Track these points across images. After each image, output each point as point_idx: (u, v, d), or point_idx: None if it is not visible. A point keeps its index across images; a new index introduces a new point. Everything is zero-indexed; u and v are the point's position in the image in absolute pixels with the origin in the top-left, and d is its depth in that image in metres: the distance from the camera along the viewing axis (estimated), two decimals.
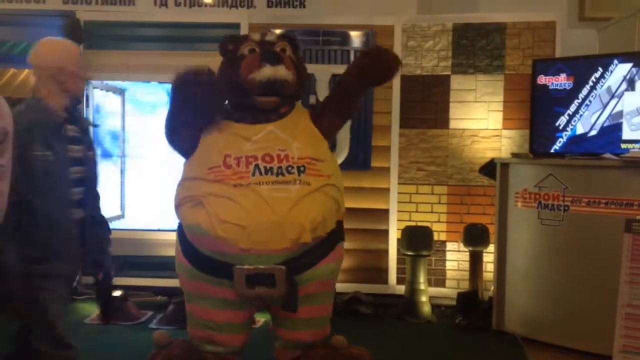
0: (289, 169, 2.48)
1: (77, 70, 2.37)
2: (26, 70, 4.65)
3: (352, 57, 4.36)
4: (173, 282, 4.38)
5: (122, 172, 4.74)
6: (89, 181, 2.49)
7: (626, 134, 3.50)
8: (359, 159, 4.39)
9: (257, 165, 2.47)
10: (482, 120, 4.30)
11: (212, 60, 4.34)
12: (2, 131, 2.03)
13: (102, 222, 2.62)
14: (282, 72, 2.54)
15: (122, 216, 4.77)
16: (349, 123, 4.28)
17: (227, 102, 2.72)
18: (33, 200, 2.20)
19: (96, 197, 2.57)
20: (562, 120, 3.71)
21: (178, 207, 2.62)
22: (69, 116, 2.38)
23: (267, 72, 2.53)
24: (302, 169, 2.49)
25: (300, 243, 2.43)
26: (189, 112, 2.57)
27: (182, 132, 2.64)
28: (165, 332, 2.84)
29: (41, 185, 2.22)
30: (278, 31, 4.34)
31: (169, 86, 4.62)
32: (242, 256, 2.41)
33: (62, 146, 2.31)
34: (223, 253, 2.44)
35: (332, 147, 2.86)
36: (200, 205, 2.48)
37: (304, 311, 2.55)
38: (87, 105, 4.50)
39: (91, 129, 2.48)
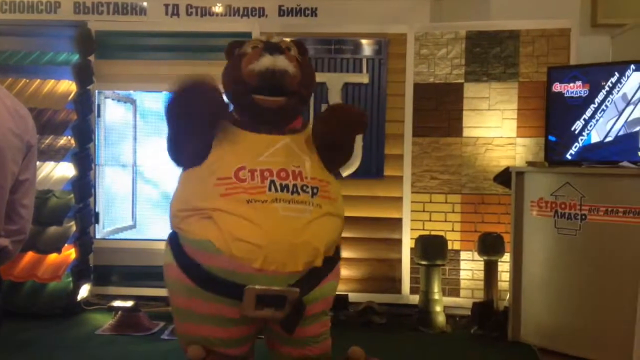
0: (304, 187, 2.36)
1: None
2: (38, 80, 4.65)
3: (364, 66, 4.35)
4: None
5: (133, 181, 4.74)
6: None
7: None
8: (372, 168, 4.36)
9: (272, 181, 2.33)
10: (496, 129, 4.26)
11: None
12: (27, 144, 2.00)
13: None
14: (281, 61, 2.39)
15: (133, 226, 4.77)
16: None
17: (232, 109, 2.59)
18: None
19: None
20: (578, 128, 3.67)
21: (176, 217, 2.41)
22: None
23: (266, 61, 2.38)
24: (315, 190, 2.38)
25: (312, 266, 2.34)
26: (192, 127, 2.36)
27: (187, 149, 2.44)
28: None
29: None
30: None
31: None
32: (254, 276, 2.27)
33: None
34: (233, 272, 2.29)
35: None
36: (209, 220, 2.31)
37: (313, 329, 2.49)
38: (99, 115, 4.51)
39: None
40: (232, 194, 2.31)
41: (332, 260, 2.50)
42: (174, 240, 2.43)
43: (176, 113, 2.35)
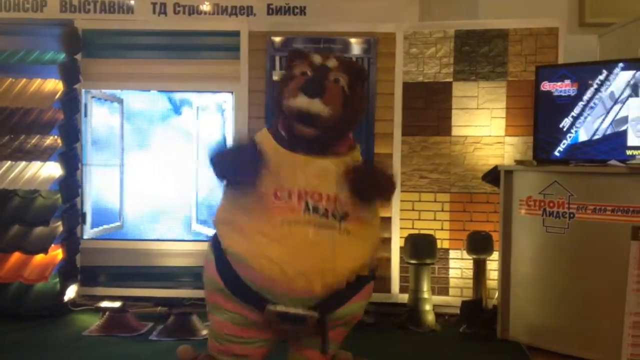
0: (334, 213, 2.42)
1: None
2: (24, 80, 4.61)
3: None
4: (173, 293, 4.39)
5: (120, 181, 4.71)
6: None
7: (631, 141, 3.47)
8: None
9: (307, 203, 2.40)
10: (485, 127, 4.27)
11: (211, 69, 4.39)
12: None
13: None
14: (316, 106, 2.40)
15: (121, 226, 4.73)
16: None
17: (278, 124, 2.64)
18: None
19: None
20: (566, 127, 3.68)
21: (219, 223, 2.54)
22: None
23: (301, 103, 2.41)
24: (344, 215, 2.44)
25: (335, 288, 2.42)
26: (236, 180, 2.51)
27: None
28: (189, 347, 2.76)
29: None
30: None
31: (168, 94, 4.68)
32: (278, 294, 2.37)
33: None
34: (260, 286, 2.39)
35: None
36: (244, 234, 2.41)
37: (333, 334, 2.54)
38: (85, 115, 4.48)
39: None
40: (269, 213, 2.40)
41: (362, 281, 2.53)
42: (216, 241, 2.54)
43: (220, 175, 2.49)
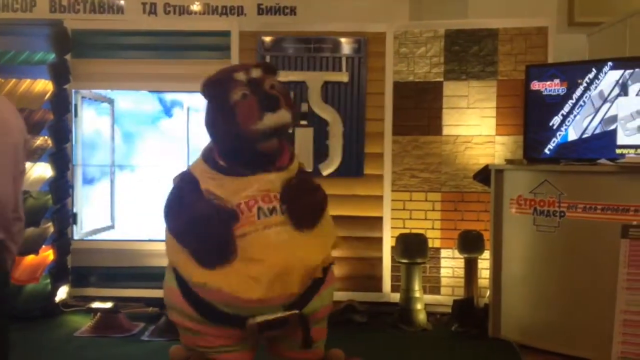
0: (282, 209, 2.39)
1: None
2: (14, 80, 4.59)
3: (343, 64, 4.35)
4: None
5: (111, 182, 4.70)
6: None
7: (621, 139, 3.50)
8: (352, 166, 4.36)
9: (260, 208, 2.35)
10: (476, 127, 4.29)
11: (202, 69, 4.37)
12: (25, 139, 2.14)
13: None
14: (284, 116, 2.39)
15: (112, 227, 4.72)
16: (341, 130, 4.34)
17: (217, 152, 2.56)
18: None
19: None
20: (556, 126, 3.70)
21: (173, 254, 2.43)
22: None
23: (271, 121, 2.36)
24: None
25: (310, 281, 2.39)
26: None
27: None
28: (181, 347, 2.74)
29: None
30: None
31: (159, 95, 4.67)
32: (256, 308, 2.31)
33: None
34: (235, 306, 2.32)
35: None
36: None
37: (313, 334, 2.50)
38: (76, 115, 4.46)
39: None
40: None
41: (324, 269, 2.49)
42: (175, 270, 2.43)
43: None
